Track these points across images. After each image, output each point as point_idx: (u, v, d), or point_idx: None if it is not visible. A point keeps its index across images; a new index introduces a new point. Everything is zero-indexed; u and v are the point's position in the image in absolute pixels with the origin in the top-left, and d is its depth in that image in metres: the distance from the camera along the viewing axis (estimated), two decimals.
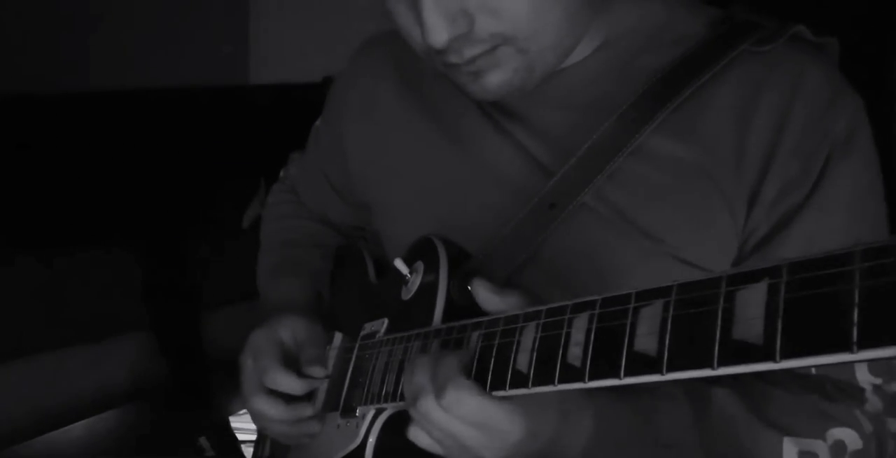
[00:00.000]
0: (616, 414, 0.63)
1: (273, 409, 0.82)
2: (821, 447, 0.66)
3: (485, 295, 0.62)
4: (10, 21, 1.89)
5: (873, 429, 0.68)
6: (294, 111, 1.99)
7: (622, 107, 0.72)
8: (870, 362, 0.64)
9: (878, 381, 0.69)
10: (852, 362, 0.66)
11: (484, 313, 0.62)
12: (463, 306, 0.70)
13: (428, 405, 0.58)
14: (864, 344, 0.32)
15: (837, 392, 0.69)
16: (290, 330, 0.86)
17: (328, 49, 2.20)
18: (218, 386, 1.86)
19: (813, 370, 0.70)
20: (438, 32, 0.64)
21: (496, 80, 0.70)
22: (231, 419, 1.98)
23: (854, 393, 0.69)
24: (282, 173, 1.14)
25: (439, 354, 0.61)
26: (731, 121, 0.71)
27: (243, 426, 1.97)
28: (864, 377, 0.69)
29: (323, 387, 0.85)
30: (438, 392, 0.57)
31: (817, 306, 0.34)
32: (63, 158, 1.71)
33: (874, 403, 0.69)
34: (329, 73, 1.93)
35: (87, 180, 1.73)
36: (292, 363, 0.84)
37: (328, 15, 2.20)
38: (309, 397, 0.85)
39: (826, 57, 0.74)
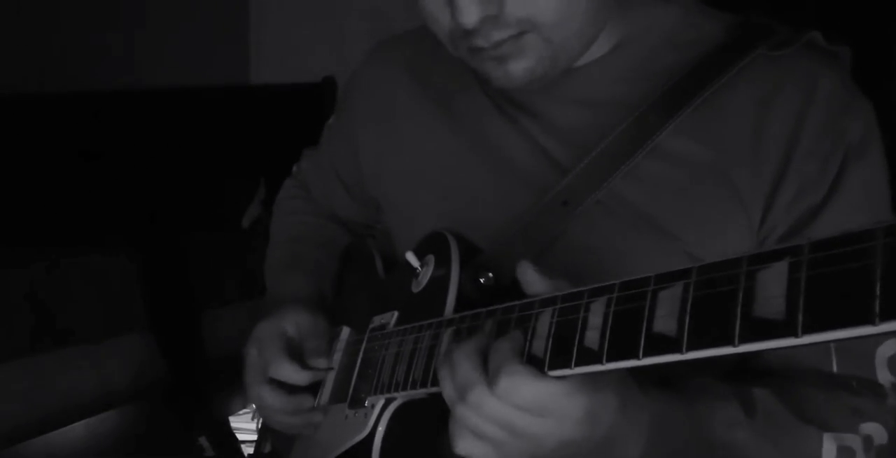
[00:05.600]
0: (672, 411, 0.63)
1: (275, 399, 0.83)
2: (856, 442, 0.67)
3: (532, 277, 0.60)
4: (9, 22, 1.89)
5: (894, 425, 0.69)
6: (294, 111, 2.01)
7: (640, 106, 0.73)
8: (891, 344, 0.66)
9: None
10: (872, 353, 0.69)
11: (496, 304, 0.63)
12: (474, 299, 0.71)
13: (480, 397, 0.55)
14: (886, 316, 0.33)
15: (862, 388, 0.70)
16: (294, 323, 0.87)
17: (328, 49, 2.21)
18: (218, 386, 1.86)
19: (835, 369, 0.71)
20: (469, 12, 0.66)
21: (520, 67, 0.71)
22: (231, 419, 1.98)
23: (877, 389, 0.70)
24: (294, 169, 1.14)
25: (485, 342, 0.59)
26: (748, 122, 0.72)
27: (243, 426, 1.98)
28: (884, 376, 0.70)
29: (331, 379, 0.86)
30: (491, 381, 0.55)
31: (839, 281, 0.35)
32: (63, 157, 1.71)
33: (893, 401, 0.70)
34: (329, 73, 1.94)
35: (87, 180, 1.73)
36: (295, 355, 0.85)
37: (328, 15, 2.21)
38: (311, 389, 0.86)
39: (839, 63, 0.75)
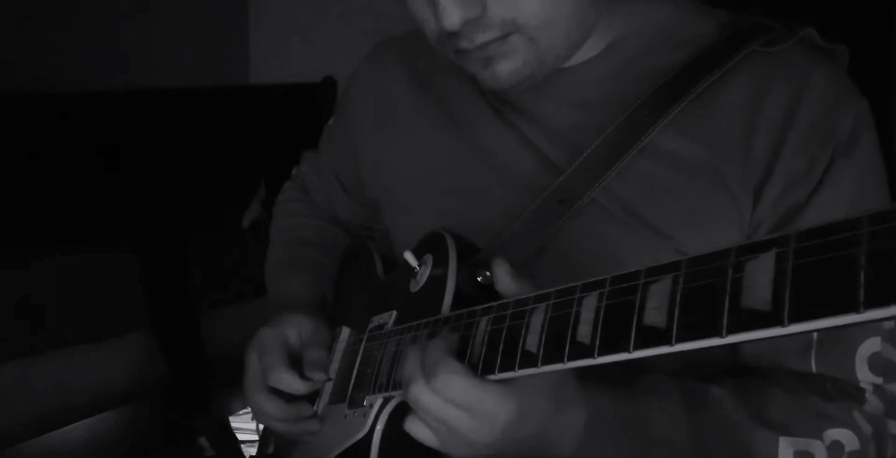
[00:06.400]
0: (610, 410, 0.64)
1: (273, 407, 0.83)
2: (818, 448, 0.66)
3: (503, 276, 0.63)
4: (10, 21, 1.90)
5: (872, 430, 0.69)
6: (294, 111, 2.01)
7: (632, 105, 0.73)
8: (875, 324, 0.65)
9: (879, 380, 0.70)
10: (853, 351, 0.69)
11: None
12: (471, 298, 0.71)
13: (418, 390, 0.59)
14: (870, 304, 0.33)
15: (837, 393, 0.70)
16: (296, 330, 0.87)
17: (328, 49, 2.22)
18: (218, 386, 1.86)
19: (814, 369, 0.71)
20: (451, 15, 0.66)
21: (507, 68, 0.72)
22: (231, 419, 1.98)
23: (854, 394, 0.70)
24: (294, 171, 1.15)
25: (427, 340, 0.63)
26: (739, 119, 0.72)
27: (243, 426, 1.98)
28: (864, 377, 0.70)
29: (330, 381, 0.86)
30: (428, 375, 0.58)
31: (825, 270, 0.36)
32: (63, 158, 1.71)
33: (874, 403, 0.70)
34: (329, 73, 1.94)
35: (87, 180, 1.74)
36: (296, 363, 0.85)
37: (328, 15, 2.21)
38: (310, 396, 0.86)
39: (833, 60, 0.75)
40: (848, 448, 0.67)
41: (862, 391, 0.70)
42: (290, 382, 0.82)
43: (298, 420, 0.84)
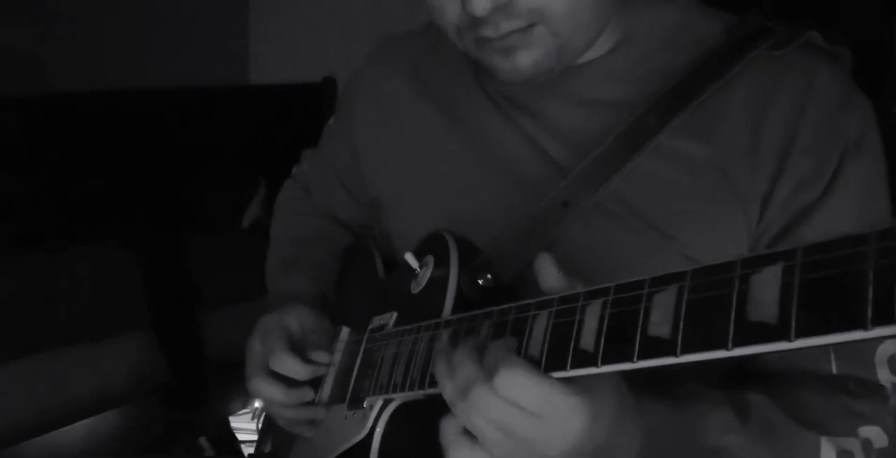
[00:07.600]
0: (664, 421, 0.62)
1: (273, 391, 0.83)
2: (855, 445, 0.67)
3: (548, 271, 0.59)
4: (8, 21, 1.89)
5: (895, 426, 0.69)
6: (294, 111, 2.01)
7: (639, 106, 0.74)
8: (887, 348, 0.66)
9: None
10: (871, 352, 0.69)
11: (494, 305, 0.63)
12: (472, 300, 0.71)
13: (480, 394, 0.53)
14: (878, 321, 0.33)
15: (861, 390, 0.70)
16: (297, 319, 0.87)
17: (328, 49, 2.21)
18: (218, 386, 1.87)
19: (834, 371, 0.71)
20: (482, 0, 0.66)
21: (528, 59, 0.71)
22: (231, 419, 1.98)
23: (877, 391, 0.71)
24: (294, 170, 1.15)
25: (483, 342, 0.59)
26: (746, 121, 0.73)
27: (243, 426, 1.98)
28: (885, 376, 0.70)
29: (330, 379, 0.86)
30: (489, 375, 0.53)
31: (832, 286, 0.35)
32: (63, 157, 1.71)
33: (894, 401, 0.70)
34: (329, 73, 1.94)
35: (87, 180, 1.73)
36: (298, 351, 0.85)
37: (328, 15, 2.21)
38: (312, 384, 0.86)
39: (837, 62, 0.75)
40: (876, 445, 0.67)
41: (883, 387, 0.71)
42: (292, 365, 0.83)
43: (299, 406, 0.84)
